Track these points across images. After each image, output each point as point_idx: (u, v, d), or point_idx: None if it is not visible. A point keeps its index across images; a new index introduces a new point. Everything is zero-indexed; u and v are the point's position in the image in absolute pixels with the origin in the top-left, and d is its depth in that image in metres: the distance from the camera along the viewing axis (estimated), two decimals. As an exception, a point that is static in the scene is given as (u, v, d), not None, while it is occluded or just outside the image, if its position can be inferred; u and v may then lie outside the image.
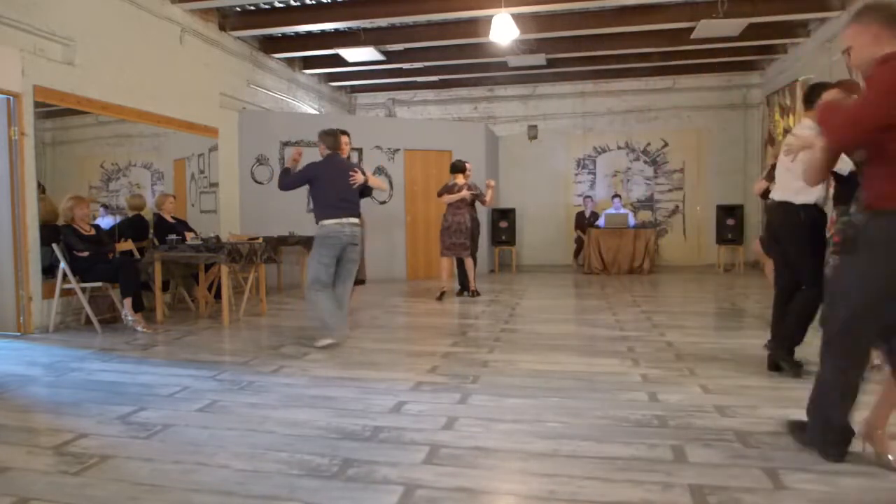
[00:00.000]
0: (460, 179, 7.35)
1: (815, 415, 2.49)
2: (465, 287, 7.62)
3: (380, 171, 9.57)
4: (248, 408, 3.24)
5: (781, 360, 3.70)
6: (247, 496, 2.21)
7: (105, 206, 6.98)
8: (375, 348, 4.73)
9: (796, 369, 3.63)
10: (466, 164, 7.52)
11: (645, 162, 11.96)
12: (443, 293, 7.37)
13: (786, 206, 3.69)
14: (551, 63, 10.53)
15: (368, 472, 2.39)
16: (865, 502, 2.12)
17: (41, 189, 5.77)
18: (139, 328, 5.45)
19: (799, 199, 3.60)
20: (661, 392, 3.40)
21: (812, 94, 3.61)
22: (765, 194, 7.44)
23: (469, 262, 7.50)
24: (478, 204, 7.59)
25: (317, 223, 4.77)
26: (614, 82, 11.90)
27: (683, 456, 2.49)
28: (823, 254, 3.54)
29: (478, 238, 7.82)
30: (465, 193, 7.24)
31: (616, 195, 11.28)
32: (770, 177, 7.30)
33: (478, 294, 7.51)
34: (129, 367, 4.17)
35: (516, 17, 7.46)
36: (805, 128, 3.47)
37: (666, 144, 11.85)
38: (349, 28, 8.92)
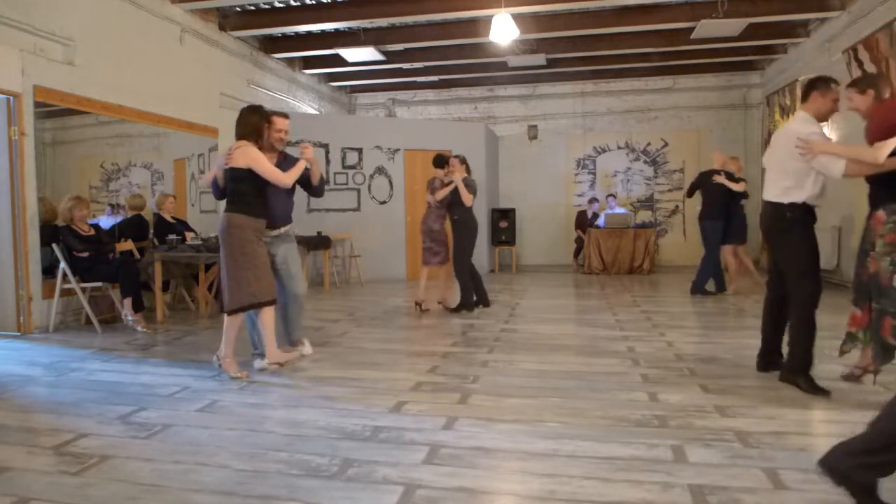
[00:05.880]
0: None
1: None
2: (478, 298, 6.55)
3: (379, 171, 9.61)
4: (248, 408, 3.24)
5: (805, 389, 3.34)
6: (247, 496, 2.21)
7: (112, 206, 6.98)
8: (375, 348, 4.73)
9: (823, 394, 3.27)
10: (451, 159, 6.47)
11: (645, 162, 11.96)
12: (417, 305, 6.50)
13: (774, 206, 3.53)
14: (551, 63, 10.53)
15: (368, 472, 2.39)
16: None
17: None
18: (139, 328, 5.46)
19: (787, 199, 3.43)
20: (661, 392, 3.40)
21: (811, 88, 3.47)
22: (690, 194, 7.91)
23: (434, 270, 6.54)
24: (481, 203, 6.77)
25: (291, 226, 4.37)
26: (614, 82, 11.90)
27: (683, 456, 2.49)
28: (813, 251, 3.45)
29: (454, 241, 6.52)
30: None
31: (611, 195, 11.26)
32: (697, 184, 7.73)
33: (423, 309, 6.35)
34: (129, 367, 4.18)
35: (516, 17, 7.46)
36: (805, 122, 3.43)
37: (666, 144, 11.85)
38: (349, 28, 8.93)
